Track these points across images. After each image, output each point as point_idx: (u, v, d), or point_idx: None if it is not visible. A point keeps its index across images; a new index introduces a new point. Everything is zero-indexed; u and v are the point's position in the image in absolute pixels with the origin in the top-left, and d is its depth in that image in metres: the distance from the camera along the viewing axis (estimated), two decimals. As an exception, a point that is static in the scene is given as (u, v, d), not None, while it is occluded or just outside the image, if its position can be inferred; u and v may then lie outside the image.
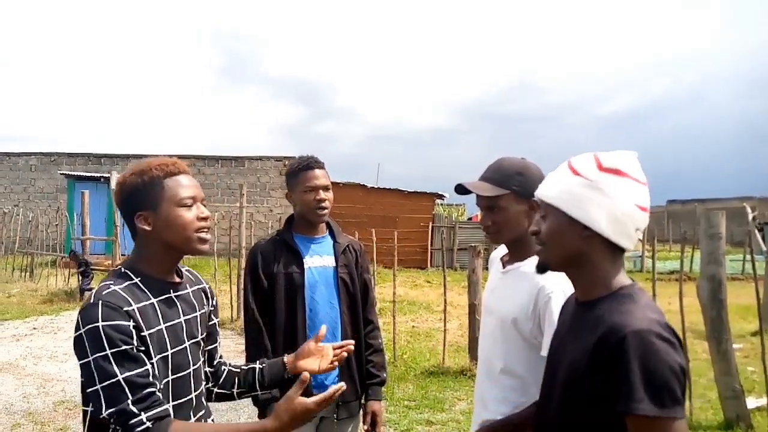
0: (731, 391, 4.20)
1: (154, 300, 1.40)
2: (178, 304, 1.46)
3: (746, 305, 6.76)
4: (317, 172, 2.22)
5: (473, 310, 5.83)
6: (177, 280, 1.50)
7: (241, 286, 6.06)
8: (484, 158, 1.79)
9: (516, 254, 1.76)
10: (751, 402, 4.48)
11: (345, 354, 1.72)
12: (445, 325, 6.24)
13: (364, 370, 2.31)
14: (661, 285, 5.63)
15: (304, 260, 2.22)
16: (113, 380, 1.25)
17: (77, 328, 1.31)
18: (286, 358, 1.70)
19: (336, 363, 1.70)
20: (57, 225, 13.86)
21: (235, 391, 1.66)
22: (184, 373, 1.44)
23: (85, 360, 1.28)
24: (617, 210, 1.21)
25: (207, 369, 1.62)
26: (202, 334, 1.53)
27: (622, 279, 1.25)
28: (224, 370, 1.67)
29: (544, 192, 1.30)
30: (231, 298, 8.49)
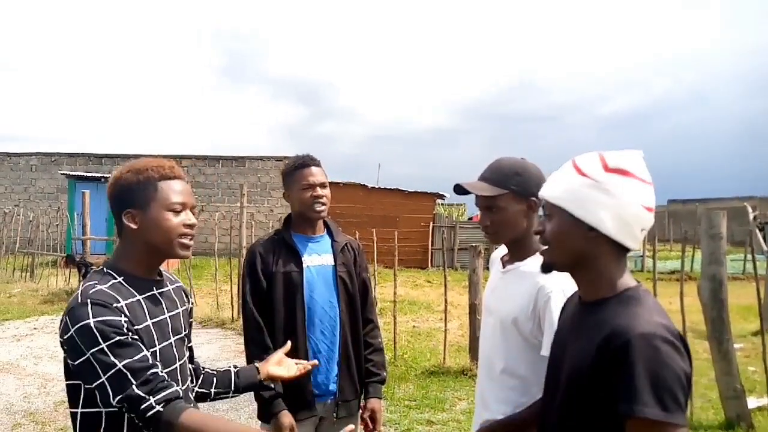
0: (732, 390, 4.20)
1: (139, 297, 1.43)
2: (162, 301, 1.50)
3: (747, 305, 6.75)
4: (313, 169, 2.22)
5: (474, 310, 5.83)
6: (158, 278, 1.54)
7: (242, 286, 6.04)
8: (484, 158, 1.79)
9: (516, 254, 1.76)
10: (752, 402, 4.48)
11: (309, 366, 1.85)
12: (445, 325, 6.24)
13: (363, 370, 2.31)
14: (662, 285, 5.62)
15: (302, 259, 2.22)
16: (114, 369, 1.28)
17: (66, 330, 1.33)
18: (258, 363, 1.78)
19: (306, 367, 1.83)
20: (57, 225, 13.85)
21: (212, 390, 1.70)
22: (172, 368, 1.47)
23: (83, 358, 1.30)
24: (623, 211, 1.20)
25: (190, 366, 1.65)
26: (185, 330, 1.58)
27: (628, 280, 1.24)
28: (203, 369, 1.72)
29: (548, 192, 1.29)
30: (231, 298, 8.48)
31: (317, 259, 2.25)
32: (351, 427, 1.41)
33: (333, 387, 2.23)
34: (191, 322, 1.68)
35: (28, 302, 10.00)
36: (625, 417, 1.07)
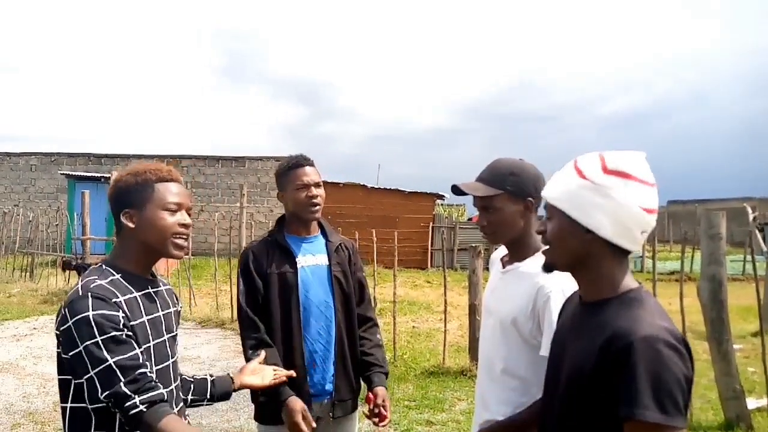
0: (732, 391, 4.20)
1: (136, 294, 1.47)
2: (156, 299, 1.55)
3: (747, 306, 6.75)
4: (307, 169, 2.22)
5: (473, 310, 5.83)
6: (152, 277, 1.59)
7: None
8: (484, 158, 1.79)
9: (515, 254, 1.76)
10: (752, 402, 4.48)
11: (285, 375, 1.93)
12: (445, 326, 6.24)
13: (359, 369, 2.30)
14: (662, 285, 5.63)
15: (296, 260, 2.21)
16: (105, 365, 1.32)
17: (64, 321, 1.36)
18: (231, 373, 1.84)
19: (280, 377, 1.91)
20: (57, 225, 13.85)
21: (189, 397, 1.73)
22: (165, 364, 1.52)
23: (76, 350, 1.33)
24: (621, 214, 1.19)
25: None
26: (176, 330, 1.63)
27: (629, 281, 1.24)
28: (181, 375, 1.73)
29: (548, 192, 1.29)
30: (231, 298, 8.46)
31: (311, 259, 2.25)
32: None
33: (329, 387, 2.23)
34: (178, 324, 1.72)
35: (28, 302, 10.00)
36: (625, 419, 1.07)
